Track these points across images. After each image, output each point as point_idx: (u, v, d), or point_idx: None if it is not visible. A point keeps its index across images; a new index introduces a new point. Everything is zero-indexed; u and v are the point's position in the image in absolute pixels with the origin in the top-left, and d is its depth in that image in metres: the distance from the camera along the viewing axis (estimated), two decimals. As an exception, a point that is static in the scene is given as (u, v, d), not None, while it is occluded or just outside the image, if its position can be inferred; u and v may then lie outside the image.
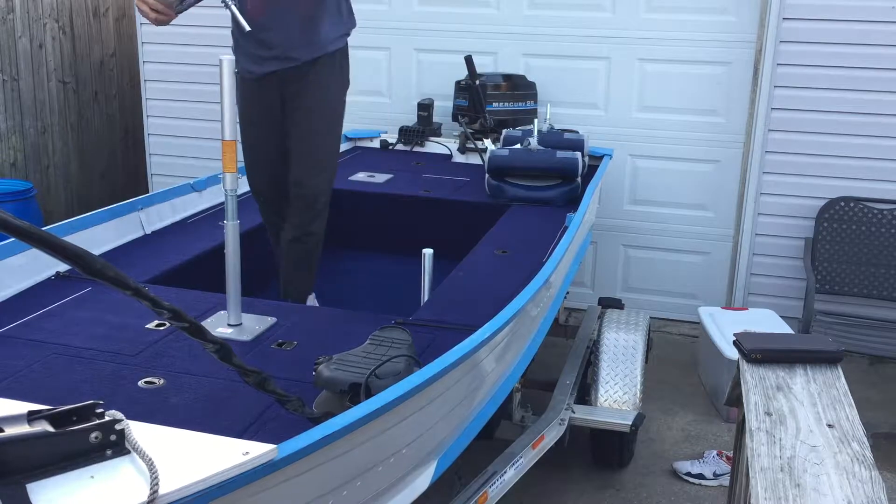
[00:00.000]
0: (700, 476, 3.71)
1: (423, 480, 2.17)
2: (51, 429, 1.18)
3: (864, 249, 4.80)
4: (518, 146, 4.21)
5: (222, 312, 2.51)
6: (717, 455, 3.79)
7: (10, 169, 5.95)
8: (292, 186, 3.05)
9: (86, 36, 6.50)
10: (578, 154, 4.09)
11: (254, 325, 2.47)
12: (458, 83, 5.18)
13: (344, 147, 5.16)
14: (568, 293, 4.35)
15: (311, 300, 3.21)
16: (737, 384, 2.32)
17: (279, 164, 3.05)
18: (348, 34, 3.07)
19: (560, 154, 4.07)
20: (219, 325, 2.45)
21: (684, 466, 3.77)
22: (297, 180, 3.04)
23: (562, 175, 4.03)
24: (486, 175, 4.13)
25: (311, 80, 2.95)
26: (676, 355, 4.97)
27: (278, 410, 1.81)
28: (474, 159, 4.93)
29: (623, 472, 3.76)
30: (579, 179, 4.05)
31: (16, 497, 1.11)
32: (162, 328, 2.38)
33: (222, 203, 2.54)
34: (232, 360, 1.56)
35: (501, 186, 4.06)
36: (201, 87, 5.80)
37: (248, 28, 2.59)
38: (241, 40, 2.94)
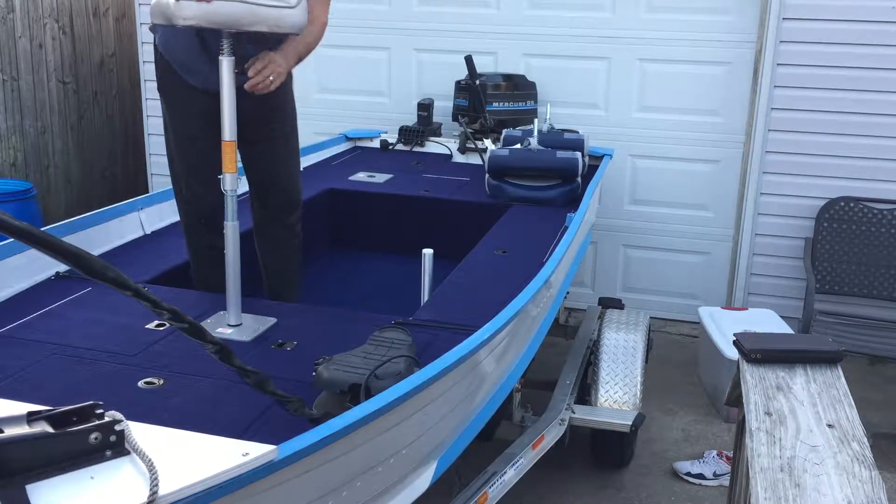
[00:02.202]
0: (700, 476, 3.71)
1: (423, 481, 2.17)
2: (50, 429, 1.18)
3: (864, 249, 4.79)
4: (518, 146, 4.21)
5: (222, 312, 2.51)
6: (717, 455, 3.79)
7: (10, 169, 5.95)
8: (279, 191, 3.03)
9: (86, 36, 6.50)
10: (578, 154, 4.10)
11: (254, 325, 2.47)
12: (458, 83, 5.18)
13: (344, 147, 5.17)
14: (568, 293, 4.35)
15: None
16: (737, 384, 2.32)
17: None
18: None
19: (560, 154, 4.07)
20: (219, 326, 2.45)
21: (684, 466, 3.76)
22: (284, 186, 3.03)
23: (562, 175, 4.03)
24: (487, 175, 4.14)
25: (283, 91, 2.86)
26: (676, 355, 4.97)
27: (278, 411, 1.81)
28: (474, 159, 4.93)
29: (623, 472, 3.76)
30: (579, 179, 4.06)
31: (15, 498, 1.11)
32: (162, 328, 2.37)
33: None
34: (232, 361, 1.56)
35: (501, 186, 4.06)
36: (201, 87, 5.79)
37: None
38: (204, 55, 2.71)
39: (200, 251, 2.93)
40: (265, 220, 3.06)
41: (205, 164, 2.76)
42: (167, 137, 2.91)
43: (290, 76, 2.89)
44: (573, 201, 3.95)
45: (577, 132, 4.65)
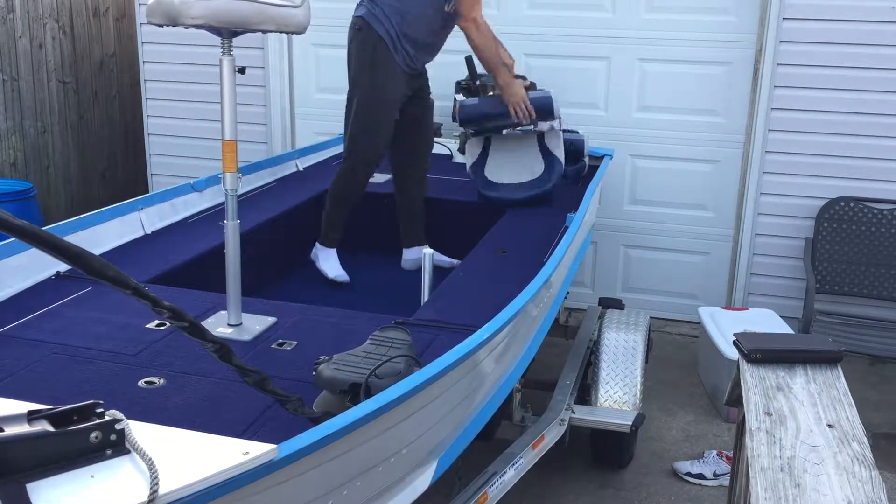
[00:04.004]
0: (700, 476, 3.71)
1: (423, 480, 2.17)
2: (51, 428, 1.18)
3: (864, 249, 4.80)
4: (530, 127, 4.05)
5: (222, 312, 2.51)
6: (717, 455, 3.79)
7: (10, 169, 5.95)
8: (419, 155, 3.95)
9: (86, 36, 6.50)
10: (585, 136, 4.34)
11: (254, 324, 2.47)
12: (458, 83, 5.18)
13: (345, 147, 5.16)
14: (568, 293, 4.35)
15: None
16: (737, 384, 2.32)
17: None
18: None
19: (567, 136, 4.21)
20: (219, 325, 2.45)
21: (684, 466, 3.77)
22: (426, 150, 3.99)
23: (568, 154, 4.20)
24: (479, 189, 4.13)
25: (426, 81, 3.90)
26: (676, 355, 4.97)
27: (278, 410, 1.81)
28: (474, 159, 4.92)
29: (623, 472, 3.76)
30: (586, 158, 4.25)
31: (16, 496, 1.11)
32: (162, 328, 2.38)
33: (222, 203, 2.54)
34: (232, 360, 1.56)
35: (495, 199, 4.04)
36: (201, 87, 5.80)
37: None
38: (417, 45, 3.62)
39: (353, 199, 3.76)
40: (415, 164, 3.95)
41: (391, 123, 3.66)
42: (376, 101, 3.63)
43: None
44: (579, 180, 4.14)
45: (577, 132, 4.66)
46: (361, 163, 3.72)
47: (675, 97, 5.15)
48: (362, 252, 4.18)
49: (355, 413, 1.64)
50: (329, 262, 3.81)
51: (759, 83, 4.89)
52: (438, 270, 3.56)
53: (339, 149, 5.11)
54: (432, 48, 3.75)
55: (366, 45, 3.59)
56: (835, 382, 2.14)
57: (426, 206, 4.13)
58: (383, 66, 3.58)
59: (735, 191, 5.14)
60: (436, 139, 5.13)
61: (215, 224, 3.38)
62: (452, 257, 3.85)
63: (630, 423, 3.47)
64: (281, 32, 2.48)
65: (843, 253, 4.81)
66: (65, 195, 6.44)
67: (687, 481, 3.71)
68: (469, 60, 5.03)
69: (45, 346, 2.25)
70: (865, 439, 1.85)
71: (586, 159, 4.35)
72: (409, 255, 4.02)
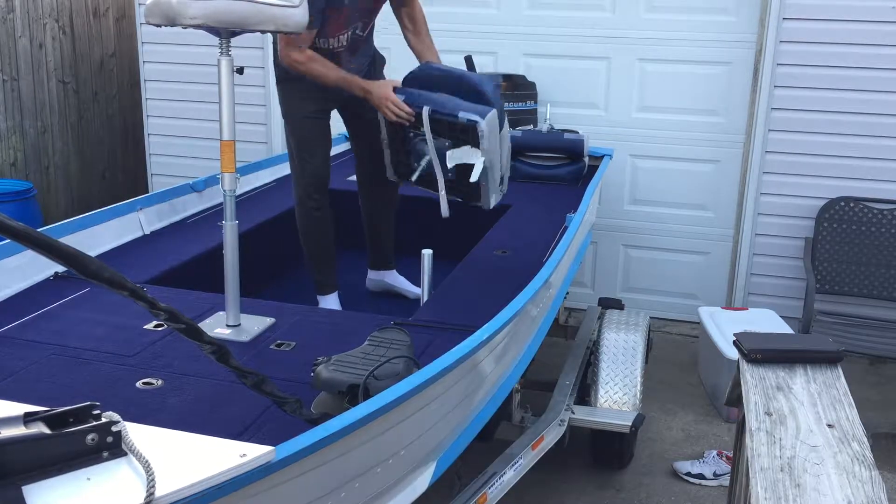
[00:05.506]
0: (700, 476, 3.71)
1: (422, 481, 2.17)
2: (47, 430, 1.18)
3: (864, 249, 4.79)
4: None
5: (221, 313, 2.51)
6: (717, 455, 3.79)
7: (10, 169, 5.95)
8: (364, 175, 3.67)
9: (86, 36, 6.50)
10: (585, 136, 4.48)
11: (252, 325, 2.47)
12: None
13: (344, 147, 5.16)
14: (568, 293, 4.35)
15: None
16: (737, 384, 2.31)
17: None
18: None
19: (567, 135, 4.53)
20: (217, 326, 2.45)
21: (684, 466, 3.76)
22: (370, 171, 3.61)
23: (569, 153, 4.40)
24: None
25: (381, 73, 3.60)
26: (676, 355, 4.97)
27: (276, 412, 1.81)
28: (474, 159, 4.92)
29: (623, 472, 3.76)
30: (586, 158, 4.39)
31: (12, 499, 1.10)
32: (160, 329, 2.37)
33: (221, 203, 2.53)
34: (229, 362, 1.56)
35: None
36: (201, 87, 5.80)
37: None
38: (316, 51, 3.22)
39: (310, 214, 3.42)
40: (371, 181, 3.60)
41: (313, 139, 3.35)
42: (286, 120, 3.39)
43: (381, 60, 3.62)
44: (579, 179, 4.28)
45: (577, 132, 4.67)
46: (297, 187, 3.41)
47: (675, 97, 5.15)
48: (362, 252, 4.17)
49: (353, 414, 1.63)
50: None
51: (759, 83, 4.88)
52: (401, 295, 3.69)
53: (339, 149, 5.12)
54: (332, 53, 3.26)
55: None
56: (835, 382, 2.14)
57: (427, 205, 4.12)
58: (285, 86, 3.32)
59: (735, 191, 5.14)
60: (436, 139, 5.13)
61: (214, 224, 3.38)
62: (452, 257, 3.84)
63: (630, 423, 3.46)
64: (280, 32, 2.48)
65: (843, 253, 4.81)
66: (65, 195, 6.44)
67: (687, 481, 3.71)
68: (468, 60, 5.03)
69: (43, 348, 2.24)
70: (865, 439, 1.84)
71: (586, 159, 4.40)
72: (371, 275, 3.79)
